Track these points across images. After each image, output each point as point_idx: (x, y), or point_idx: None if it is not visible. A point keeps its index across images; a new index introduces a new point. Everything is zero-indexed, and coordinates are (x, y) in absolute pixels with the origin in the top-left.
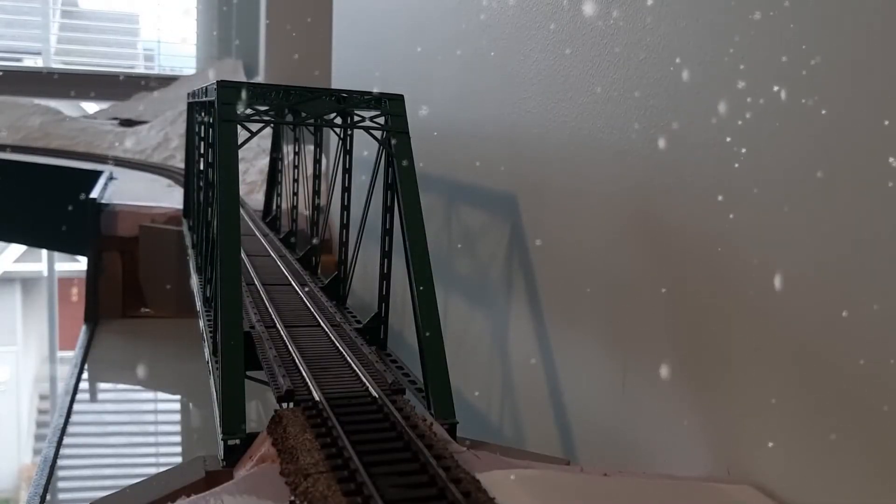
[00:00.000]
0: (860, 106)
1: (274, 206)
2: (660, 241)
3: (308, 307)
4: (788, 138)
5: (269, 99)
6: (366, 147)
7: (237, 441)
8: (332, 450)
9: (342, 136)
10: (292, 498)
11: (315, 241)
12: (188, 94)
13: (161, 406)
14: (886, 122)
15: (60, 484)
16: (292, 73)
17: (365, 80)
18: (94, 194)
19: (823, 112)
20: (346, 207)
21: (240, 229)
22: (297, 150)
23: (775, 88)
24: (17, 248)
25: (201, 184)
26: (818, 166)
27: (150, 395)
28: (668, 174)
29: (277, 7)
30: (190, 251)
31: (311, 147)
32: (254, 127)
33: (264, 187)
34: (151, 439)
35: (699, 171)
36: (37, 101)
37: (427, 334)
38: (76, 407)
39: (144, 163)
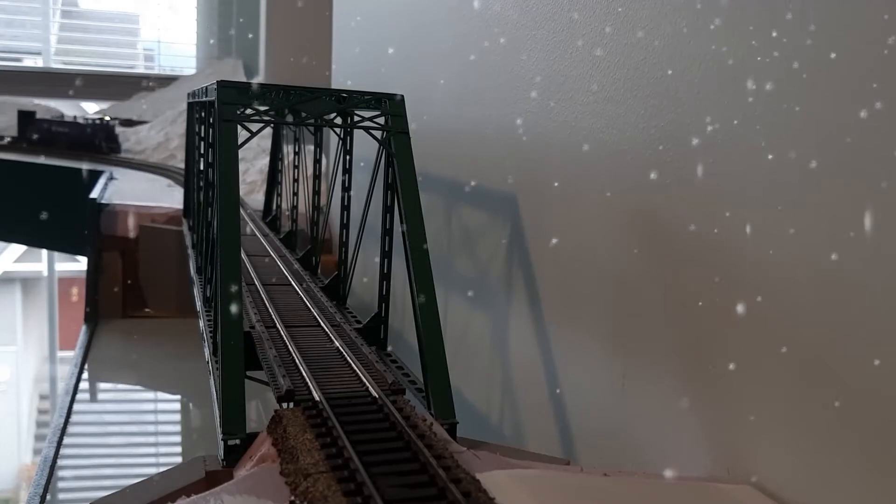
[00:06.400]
0: (862, 105)
1: (274, 206)
2: (660, 240)
3: (308, 307)
4: (790, 137)
5: (269, 99)
6: (366, 147)
7: (237, 441)
8: (332, 450)
9: (342, 136)
10: (292, 498)
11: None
12: (188, 94)
13: (161, 406)
14: (891, 122)
15: (60, 484)
16: (292, 73)
17: (365, 80)
18: (94, 194)
19: (826, 111)
20: (346, 207)
21: (240, 229)
22: (297, 150)
23: (777, 88)
24: (17, 248)
25: (201, 184)
26: (821, 166)
27: (150, 395)
28: (668, 174)
29: (277, 7)
30: (190, 251)
31: (311, 147)
32: (254, 127)
33: (264, 187)
34: (151, 439)
35: (699, 170)
36: (37, 101)
37: (427, 334)
38: (76, 407)
39: (144, 163)
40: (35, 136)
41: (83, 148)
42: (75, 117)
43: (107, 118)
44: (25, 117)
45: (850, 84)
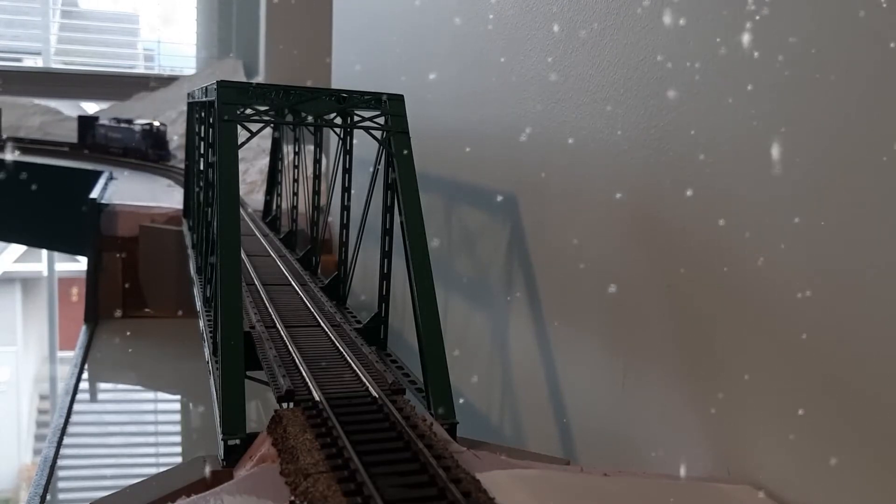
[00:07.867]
0: (868, 107)
1: (274, 206)
2: (660, 241)
3: (308, 307)
4: (793, 139)
5: (269, 99)
6: (366, 147)
7: (237, 441)
8: (332, 450)
9: (342, 136)
10: (292, 498)
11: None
12: (188, 94)
13: (161, 406)
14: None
15: (60, 484)
16: (292, 73)
17: (365, 81)
18: (94, 194)
19: (830, 112)
20: (346, 207)
21: (240, 229)
22: (297, 150)
23: (778, 88)
24: (17, 248)
25: (201, 184)
26: (822, 167)
27: (150, 395)
28: (669, 174)
29: (277, 7)
30: (190, 251)
31: (311, 147)
32: (254, 127)
33: (264, 187)
34: (151, 439)
35: (700, 171)
36: (37, 101)
37: (427, 334)
38: (76, 407)
39: (144, 163)
40: (93, 143)
41: (133, 154)
42: (130, 122)
43: (156, 123)
44: (86, 123)
45: (854, 84)
